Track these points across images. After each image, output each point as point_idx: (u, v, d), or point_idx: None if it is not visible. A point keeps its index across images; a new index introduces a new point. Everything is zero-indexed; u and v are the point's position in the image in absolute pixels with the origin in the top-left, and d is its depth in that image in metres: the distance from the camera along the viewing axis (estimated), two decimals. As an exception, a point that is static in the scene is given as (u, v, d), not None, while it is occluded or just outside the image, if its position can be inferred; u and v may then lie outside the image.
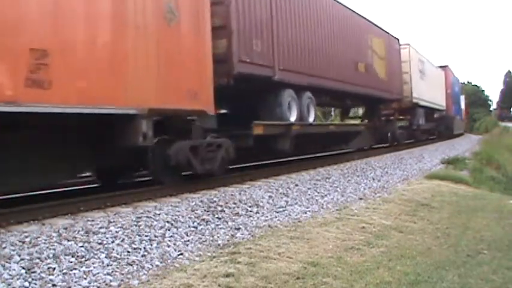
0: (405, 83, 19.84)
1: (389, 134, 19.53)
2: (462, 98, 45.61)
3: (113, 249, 4.21)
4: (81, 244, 4.22)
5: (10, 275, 3.49)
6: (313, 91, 11.45)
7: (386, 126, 19.27)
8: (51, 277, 3.54)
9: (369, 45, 15.36)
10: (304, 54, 10.88)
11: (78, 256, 3.96)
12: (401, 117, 21.82)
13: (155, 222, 5.13)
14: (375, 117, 17.98)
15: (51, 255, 3.90)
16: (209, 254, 4.43)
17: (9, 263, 3.68)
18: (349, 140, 14.77)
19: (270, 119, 9.62)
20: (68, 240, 4.29)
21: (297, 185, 8.27)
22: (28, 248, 4.03)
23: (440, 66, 30.59)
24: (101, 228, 4.74)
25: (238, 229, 5.35)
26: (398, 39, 19.06)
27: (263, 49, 9.13)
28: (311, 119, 11.37)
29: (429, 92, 23.91)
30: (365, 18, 15.22)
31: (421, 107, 22.50)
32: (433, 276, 4.14)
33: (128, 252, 4.23)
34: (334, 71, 12.43)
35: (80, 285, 3.49)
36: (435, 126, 27.86)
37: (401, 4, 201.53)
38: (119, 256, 4.10)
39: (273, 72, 9.52)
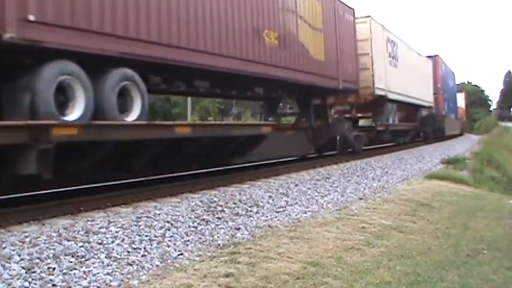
0: (364, 68, 14.62)
1: (338, 138, 14.13)
2: (461, 96, 44.23)
3: (113, 249, 4.21)
4: (81, 244, 4.22)
5: (10, 275, 3.49)
6: (144, 68, 6.75)
7: (332, 127, 13.61)
8: (51, 277, 3.54)
9: (291, 7, 10.22)
10: None
11: (78, 256, 3.97)
12: (359, 114, 16.70)
13: (155, 222, 5.13)
14: (309, 113, 12.66)
15: (51, 255, 3.90)
16: (209, 254, 4.43)
17: (9, 263, 3.68)
18: (241, 150, 9.52)
19: (15, 115, 5.20)
20: (68, 240, 4.29)
21: (297, 185, 8.27)
22: (28, 248, 4.03)
23: (429, 56, 26.01)
24: (101, 228, 4.74)
25: (238, 229, 5.35)
26: (352, 9, 13.75)
27: None
28: (131, 116, 6.53)
29: (406, 83, 18.54)
30: None
31: (391, 101, 17.39)
32: (433, 276, 4.14)
33: (128, 252, 4.23)
34: (202, 37, 7.56)
35: (80, 285, 3.49)
36: (419, 126, 22.84)
37: (401, 4, 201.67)
38: (118, 256, 4.10)
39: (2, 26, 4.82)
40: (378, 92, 15.47)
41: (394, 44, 18.09)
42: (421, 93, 22.11)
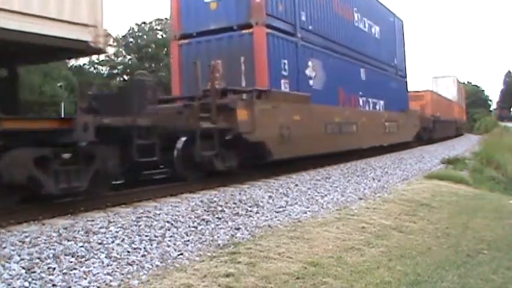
0: None
1: None
2: (450, 81, 33.52)
3: (113, 249, 4.21)
4: (81, 244, 4.22)
5: (10, 275, 3.50)
6: None
7: None
8: (51, 277, 3.54)
9: None
10: None
11: (78, 256, 3.97)
12: None
13: (155, 222, 5.13)
14: None
15: (51, 255, 3.90)
16: (209, 254, 4.43)
17: (9, 263, 3.68)
18: None
19: None
20: (68, 240, 4.29)
21: (297, 185, 8.27)
22: (28, 248, 4.03)
23: None
24: (101, 228, 4.74)
25: (238, 229, 5.35)
26: None
27: None
28: None
29: None
30: None
31: None
32: (433, 276, 4.14)
33: (128, 252, 4.23)
34: None
35: (80, 285, 3.49)
36: None
37: (401, 3, 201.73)
38: (118, 256, 4.10)
39: None
40: None
41: None
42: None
